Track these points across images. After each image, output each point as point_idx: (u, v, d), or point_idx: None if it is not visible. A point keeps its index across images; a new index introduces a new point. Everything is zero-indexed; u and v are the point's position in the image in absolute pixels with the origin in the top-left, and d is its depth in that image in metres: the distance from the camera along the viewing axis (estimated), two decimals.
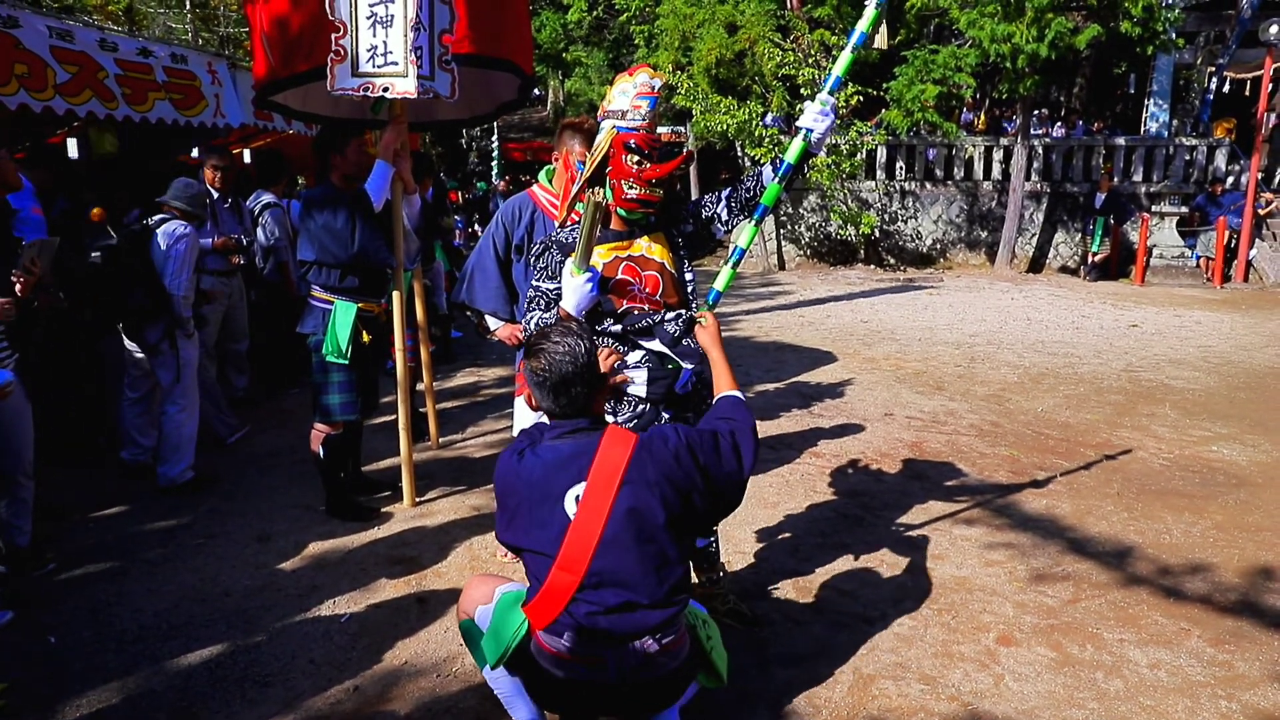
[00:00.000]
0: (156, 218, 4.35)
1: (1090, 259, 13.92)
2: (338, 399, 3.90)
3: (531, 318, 2.61)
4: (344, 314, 3.83)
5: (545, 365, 2.08)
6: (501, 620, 2.15)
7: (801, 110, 2.68)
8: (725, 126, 13.89)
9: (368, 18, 3.48)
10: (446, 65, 3.65)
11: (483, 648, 2.20)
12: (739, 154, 15.55)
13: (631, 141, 2.49)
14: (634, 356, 2.60)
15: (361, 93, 3.57)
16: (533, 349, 2.12)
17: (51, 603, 3.24)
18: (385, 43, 3.50)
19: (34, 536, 3.51)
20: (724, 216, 2.75)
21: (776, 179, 2.65)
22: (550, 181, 3.55)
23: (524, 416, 3.53)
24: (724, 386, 2.38)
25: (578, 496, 2.03)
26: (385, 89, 3.54)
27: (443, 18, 3.62)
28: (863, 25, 2.60)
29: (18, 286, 3.33)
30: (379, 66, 3.52)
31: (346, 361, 3.84)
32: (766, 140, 13.78)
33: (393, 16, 3.48)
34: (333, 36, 3.50)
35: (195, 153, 7.18)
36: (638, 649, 2.05)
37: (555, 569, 2.01)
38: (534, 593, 2.09)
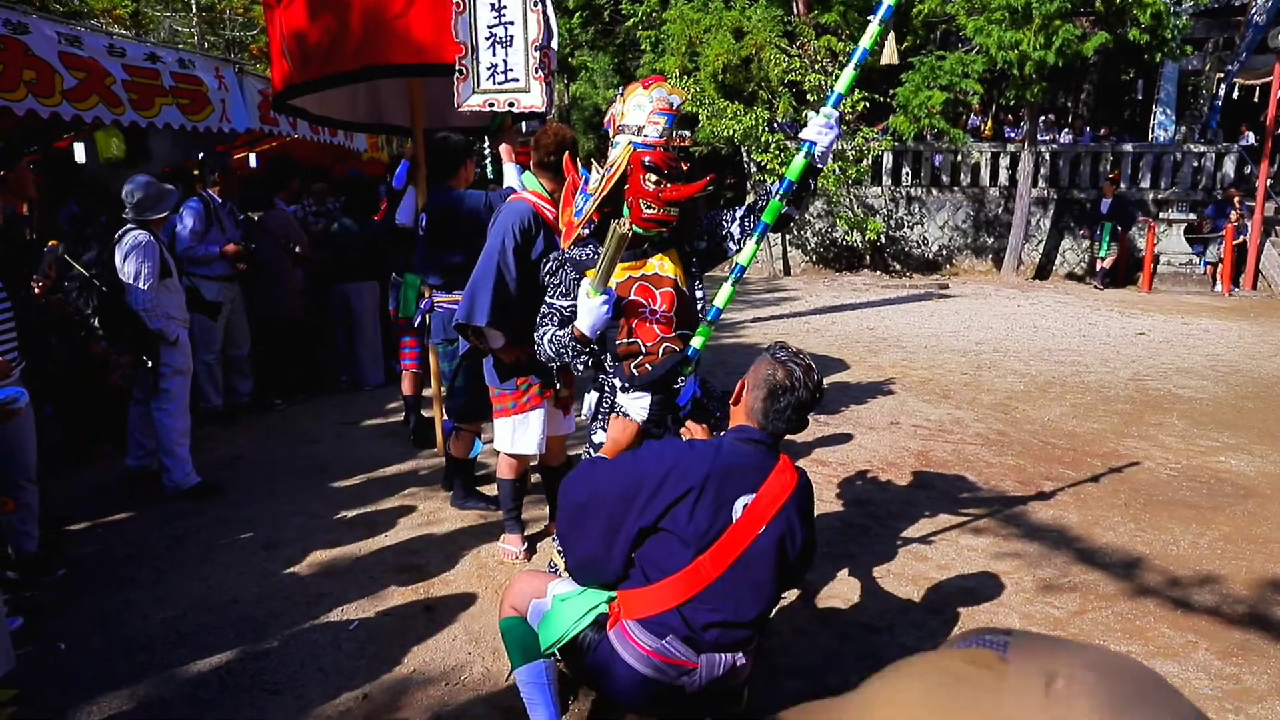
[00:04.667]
0: (121, 231, 4.23)
1: (1098, 265, 13.85)
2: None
3: (545, 333, 2.60)
4: None
5: (790, 385, 2.13)
6: (561, 610, 2.19)
7: (807, 118, 2.66)
8: (731, 132, 13.89)
9: (487, 39, 3.68)
10: (538, 76, 3.81)
11: (536, 634, 2.23)
12: (745, 160, 15.54)
13: (648, 160, 2.46)
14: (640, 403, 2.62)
15: (487, 107, 3.75)
16: (786, 361, 2.17)
17: (60, 610, 3.26)
18: (505, 61, 3.70)
19: (42, 543, 3.53)
20: (736, 235, 2.73)
21: (778, 195, 2.61)
22: (537, 184, 3.51)
23: (507, 436, 3.54)
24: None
25: (745, 504, 2.08)
26: (511, 104, 3.73)
27: (534, 30, 3.80)
28: (865, 42, 2.58)
29: (36, 289, 3.37)
30: (499, 84, 3.73)
31: None
32: (773, 146, 13.78)
33: (513, 37, 3.68)
34: (456, 57, 3.69)
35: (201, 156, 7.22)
36: (727, 660, 2.11)
37: (703, 558, 2.05)
38: (652, 579, 2.10)
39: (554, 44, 3.81)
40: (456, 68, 3.67)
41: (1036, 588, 3.46)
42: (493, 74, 3.70)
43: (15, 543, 3.43)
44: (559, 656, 2.29)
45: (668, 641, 2.08)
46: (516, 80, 3.69)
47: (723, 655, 2.11)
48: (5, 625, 2.65)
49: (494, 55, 3.69)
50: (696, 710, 2.21)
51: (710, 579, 2.05)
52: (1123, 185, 14.37)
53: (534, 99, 3.71)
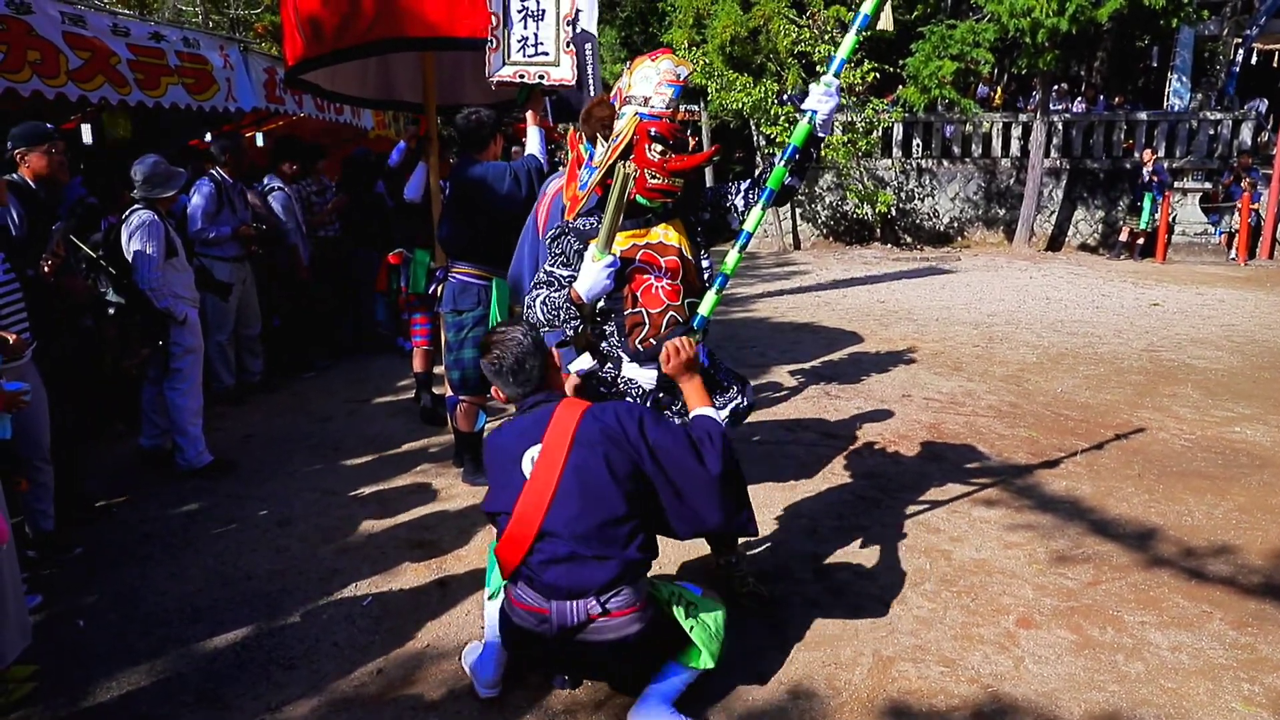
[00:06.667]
0: (128, 211, 4.25)
1: (1131, 236, 13.44)
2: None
3: (538, 295, 2.57)
4: (502, 290, 4.01)
5: (499, 354, 2.30)
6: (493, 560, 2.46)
7: (808, 89, 2.65)
8: (740, 105, 13.76)
9: (519, 11, 3.73)
10: (569, 50, 3.83)
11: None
12: (754, 133, 15.41)
13: (654, 130, 2.46)
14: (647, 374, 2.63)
15: (518, 79, 3.78)
16: (486, 345, 2.32)
17: (78, 587, 3.29)
18: (536, 34, 3.76)
19: (59, 522, 3.56)
20: (740, 207, 2.73)
21: (782, 162, 2.62)
22: None
23: None
24: (695, 406, 2.44)
25: (533, 457, 2.20)
26: (541, 76, 3.78)
27: (566, 5, 3.83)
28: (866, 8, 2.57)
29: (45, 268, 3.39)
30: (529, 56, 3.78)
31: None
32: (782, 118, 13.64)
33: (544, 11, 3.73)
34: (488, 28, 3.72)
35: (208, 137, 7.19)
36: (580, 608, 2.18)
37: (512, 522, 2.19)
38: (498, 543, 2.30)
39: (587, 25, 3.83)
40: (488, 39, 3.72)
41: (1050, 559, 3.45)
42: (523, 46, 3.75)
43: (33, 522, 3.47)
44: None
45: (520, 588, 2.25)
46: (547, 54, 3.75)
47: (573, 603, 2.18)
48: (24, 602, 2.68)
49: (525, 28, 3.75)
50: (578, 670, 2.42)
51: (532, 530, 2.16)
52: (1136, 154, 14.17)
53: (564, 72, 3.75)
